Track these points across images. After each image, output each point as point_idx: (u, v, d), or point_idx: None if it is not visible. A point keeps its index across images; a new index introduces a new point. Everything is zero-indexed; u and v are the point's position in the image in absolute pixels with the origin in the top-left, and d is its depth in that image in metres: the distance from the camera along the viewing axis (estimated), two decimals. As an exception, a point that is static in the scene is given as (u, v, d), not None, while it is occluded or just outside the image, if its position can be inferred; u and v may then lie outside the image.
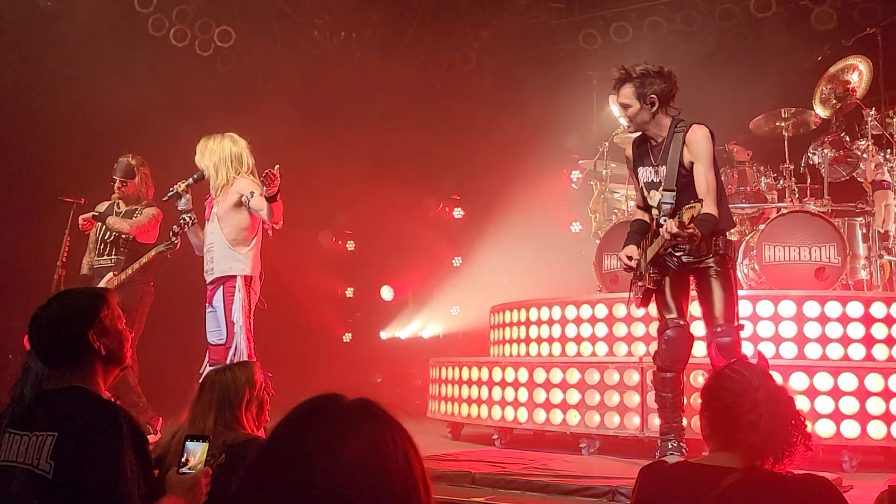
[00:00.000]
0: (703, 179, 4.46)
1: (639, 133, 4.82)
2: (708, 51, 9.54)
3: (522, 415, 6.18)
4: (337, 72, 11.30)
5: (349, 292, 12.72)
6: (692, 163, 4.51)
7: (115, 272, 6.30)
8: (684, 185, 4.52)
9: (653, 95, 4.56)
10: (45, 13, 8.55)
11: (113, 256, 6.39)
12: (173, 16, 9.61)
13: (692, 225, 4.18)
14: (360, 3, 10.67)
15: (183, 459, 2.61)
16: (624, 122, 7.96)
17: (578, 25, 10.20)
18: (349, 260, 12.61)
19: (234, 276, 5.36)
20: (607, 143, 8.21)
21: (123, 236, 6.43)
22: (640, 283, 4.70)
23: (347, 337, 12.51)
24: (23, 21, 8.40)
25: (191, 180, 5.52)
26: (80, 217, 6.40)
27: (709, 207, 4.40)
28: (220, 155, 5.47)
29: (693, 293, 4.77)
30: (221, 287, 5.37)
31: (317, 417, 1.15)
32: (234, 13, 10.20)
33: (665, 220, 4.35)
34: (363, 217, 11.94)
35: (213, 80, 10.20)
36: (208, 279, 5.46)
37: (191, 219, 5.57)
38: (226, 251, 5.39)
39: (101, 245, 6.45)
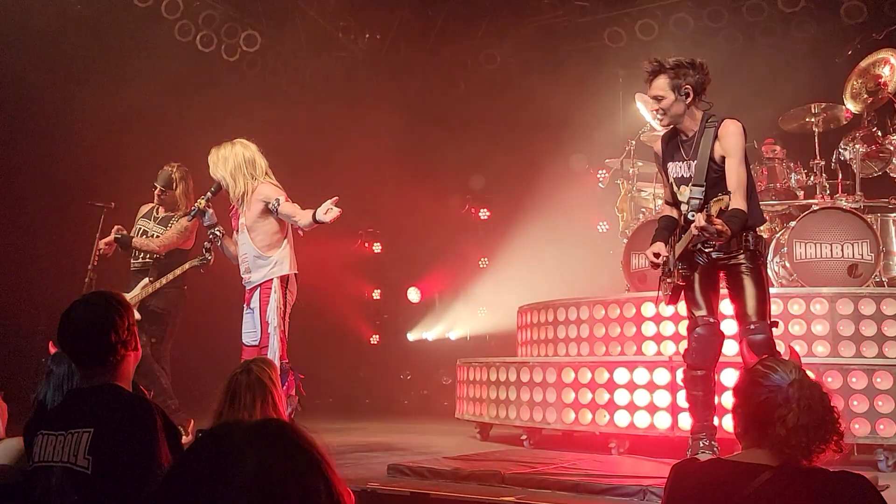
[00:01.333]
0: (734, 174, 4.40)
1: (667, 129, 4.77)
2: (736, 47, 9.44)
3: (551, 415, 6.15)
4: (362, 74, 11.34)
5: (376, 294, 12.75)
6: (723, 157, 4.44)
7: (150, 278, 6.36)
8: (714, 181, 4.47)
9: (687, 86, 4.49)
10: (75, 18, 8.66)
11: (148, 260, 6.45)
12: (200, 21, 9.71)
13: (720, 220, 4.12)
14: (384, 5, 10.71)
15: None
16: (650, 118, 7.93)
17: (604, 23, 10.15)
18: (376, 262, 12.64)
19: (271, 279, 5.43)
20: (634, 142, 8.16)
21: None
22: (668, 280, 4.65)
23: (375, 339, 12.54)
24: (54, 26, 8.52)
25: (209, 194, 5.55)
26: (103, 242, 6.45)
27: (738, 203, 4.34)
28: (235, 162, 5.49)
29: (723, 291, 4.72)
30: (259, 289, 5.43)
31: (213, 444, 1.16)
32: (260, 17, 10.28)
33: (693, 216, 4.30)
34: (389, 219, 11.96)
35: (239, 84, 10.29)
36: (247, 286, 5.53)
37: (220, 232, 5.61)
38: (259, 260, 5.46)
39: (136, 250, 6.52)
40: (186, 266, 6.32)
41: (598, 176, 9.78)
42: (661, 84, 4.52)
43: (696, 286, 4.61)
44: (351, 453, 5.97)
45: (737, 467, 2.24)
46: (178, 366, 6.53)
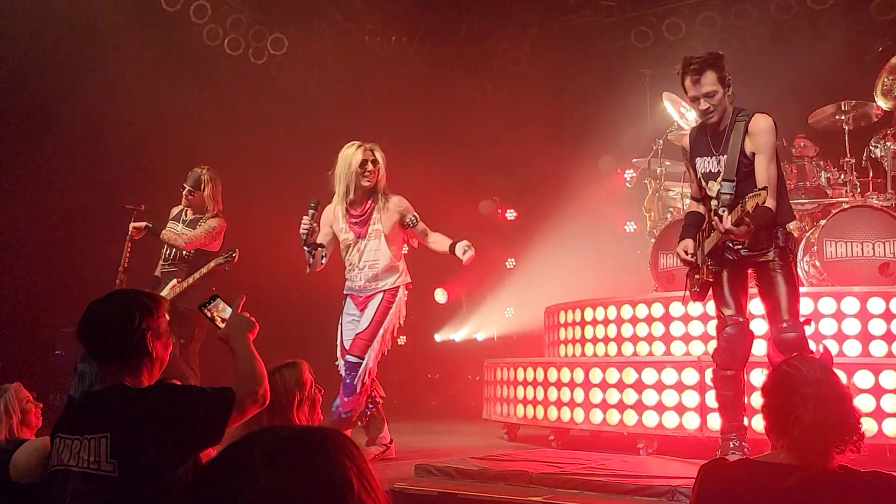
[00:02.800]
0: (765, 171, 4.36)
1: (698, 124, 4.74)
2: (764, 45, 9.36)
3: (579, 415, 6.14)
4: (389, 77, 11.38)
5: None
6: (753, 153, 4.40)
7: (179, 279, 6.43)
8: (744, 175, 4.42)
9: (729, 78, 4.46)
10: (106, 22, 8.78)
11: (178, 262, 6.54)
12: (227, 25, 9.81)
13: (748, 220, 4.10)
14: (410, 8, 10.75)
15: (214, 321, 2.70)
16: (677, 117, 7.89)
17: (630, 23, 10.11)
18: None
19: (398, 287, 5.66)
20: (661, 141, 8.12)
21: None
22: (697, 276, 4.61)
23: (402, 340, 12.55)
24: (85, 30, 8.65)
25: (313, 212, 5.59)
26: (132, 224, 6.53)
27: (767, 201, 4.31)
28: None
29: (753, 290, 4.69)
30: (383, 294, 5.60)
31: (231, 458, 1.10)
32: (287, 21, 10.37)
33: (723, 210, 4.26)
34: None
35: (267, 87, 10.37)
36: (366, 293, 5.64)
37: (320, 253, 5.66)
38: (392, 265, 5.64)
39: (167, 250, 6.60)
40: (212, 264, 6.38)
41: (626, 176, 9.75)
42: (712, 79, 4.39)
43: (725, 284, 4.58)
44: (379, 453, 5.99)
45: (765, 468, 2.23)
46: (207, 367, 6.59)
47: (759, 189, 4.13)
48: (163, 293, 6.34)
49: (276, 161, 10.22)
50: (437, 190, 10.73)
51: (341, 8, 10.61)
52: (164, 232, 6.53)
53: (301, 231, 5.46)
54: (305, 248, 5.51)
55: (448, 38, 11.07)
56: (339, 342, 5.74)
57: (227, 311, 2.75)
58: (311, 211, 5.52)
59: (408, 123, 10.74)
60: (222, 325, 2.73)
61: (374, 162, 5.55)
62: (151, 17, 9.17)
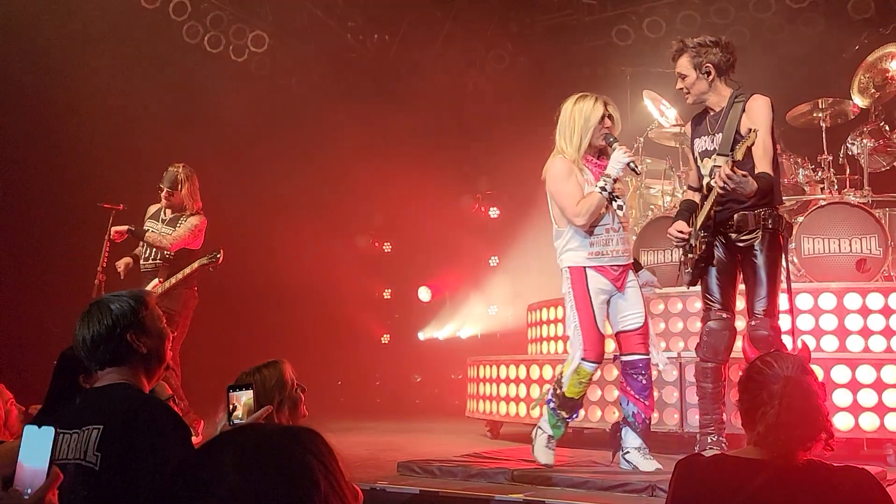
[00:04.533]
0: (761, 144, 4.41)
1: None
2: (743, 43, 9.41)
3: (561, 412, 6.16)
4: (371, 74, 11.38)
5: (387, 294, 12.78)
6: (749, 130, 4.46)
7: (161, 278, 6.41)
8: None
9: (708, 64, 4.60)
10: (83, 20, 8.72)
11: (158, 261, 6.51)
12: (208, 22, 9.77)
13: (744, 172, 4.15)
14: (392, 5, 10.74)
15: (231, 407, 2.63)
16: (657, 115, 7.94)
17: (611, 21, 10.16)
18: (386, 262, 12.68)
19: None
20: (642, 139, 8.16)
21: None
22: (690, 256, 4.63)
23: (386, 338, 12.58)
24: (61, 28, 8.58)
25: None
26: (113, 229, 6.49)
27: (764, 168, 4.37)
28: None
29: (741, 285, 4.69)
30: (631, 272, 4.80)
31: (204, 455, 1.11)
32: (268, 18, 10.34)
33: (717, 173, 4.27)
34: (399, 219, 12.00)
35: (248, 85, 10.34)
36: (621, 261, 4.72)
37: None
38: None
39: (146, 250, 6.57)
40: (196, 265, 6.37)
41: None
42: (683, 63, 4.66)
43: (714, 275, 4.61)
44: (361, 452, 6.00)
45: (739, 463, 2.25)
46: (188, 366, 6.58)
47: (752, 130, 4.22)
48: (146, 292, 6.30)
49: (257, 159, 10.20)
50: (419, 187, 10.76)
51: (323, 5, 10.59)
52: (148, 234, 6.49)
53: (628, 156, 4.60)
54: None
55: (430, 36, 11.08)
56: (591, 327, 4.65)
57: (245, 401, 2.63)
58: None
59: (390, 121, 10.74)
60: (234, 418, 2.63)
61: (611, 118, 4.80)
62: (130, 14, 9.12)
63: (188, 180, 6.57)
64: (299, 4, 10.49)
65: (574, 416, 4.82)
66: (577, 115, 4.76)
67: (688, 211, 4.75)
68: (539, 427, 4.85)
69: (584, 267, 4.67)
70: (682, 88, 4.72)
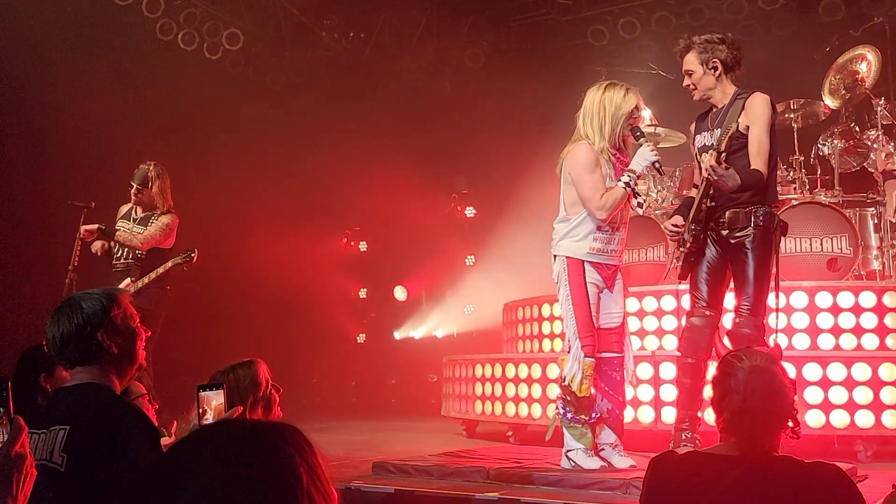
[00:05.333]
0: (756, 140, 4.45)
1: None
2: (716, 44, 9.51)
3: (536, 411, 6.19)
4: (346, 73, 11.34)
5: (362, 293, 12.75)
6: (748, 127, 4.48)
7: (133, 278, 6.35)
8: (735, 149, 4.49)
9: (715, 60, 4.63)
10: (53, 16, 8.61)
11: (130, 261, 6.45)
12: (181, 19, 9.68)
13: (728, 165, 4.17)
14: (368, 4, 10.72)
15: (200, 411, 2.59)
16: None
17: (587, 22, 10.21)
18: (362, 261, 12.64)
19: None
20: (617, 139, 8.20)
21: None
22: (681, 249, 4.64)
23: (361, 338, 12.54)
24: (31, 23, 8.47)
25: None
26: (83, 227, 6.41)
27: (757, 165, 4.40)
28: None
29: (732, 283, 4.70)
30: (619, 274, 4.82)
31: (178, 453, 1.10)
32: (242, 16, 10.26)
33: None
34: (375, 217, 11.97)
35: (222, 82, 10.27)
36: (614, 262, 4.76)
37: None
38: None
39: (118, 249, 6.51)
40: (169, 264, 6.32)
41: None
42: (691, 59, 4.70)
43: (703, 272, 4.63)
44: (337, 452, 5.99)
45: (712, 460, 2.28)
46: (160, 366, 6.52)
47: (729, 126, 4.26)
48: (118, 291, 6.24)
49: (231, 157, 10.13)
50: (395, 186, 10.74)
51: (298, 3, 10.54)
52: (118, 233, 6.43)
53: (654, 154, 4.58)
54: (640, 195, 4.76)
55: (406, 35, 11.06)
56: (588, 321, 4.63)
57: (216, 403, 2.59)
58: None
59: (366, 120, 10.72)
60: (205, 419, 2.59)
61: (639, 108, 4.77)
62: (102, 11, 9.01)
63: (159, 178, 6.51)
64: (274, 2, 10.43)
65: (595, 413, 4.65)
66: (608, 103, 4.65)
67: (686, 207, 4.77)
68: (566, 457, 4.64)
69: (583, 260, 4.64)
70: (688, 85, 4.73)
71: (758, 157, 4.44)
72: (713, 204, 4.55)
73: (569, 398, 4.64)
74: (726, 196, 4.48)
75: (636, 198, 4.64)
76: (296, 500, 1.05)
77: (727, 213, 4.51)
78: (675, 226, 4.69)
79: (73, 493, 2.32)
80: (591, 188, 4.58)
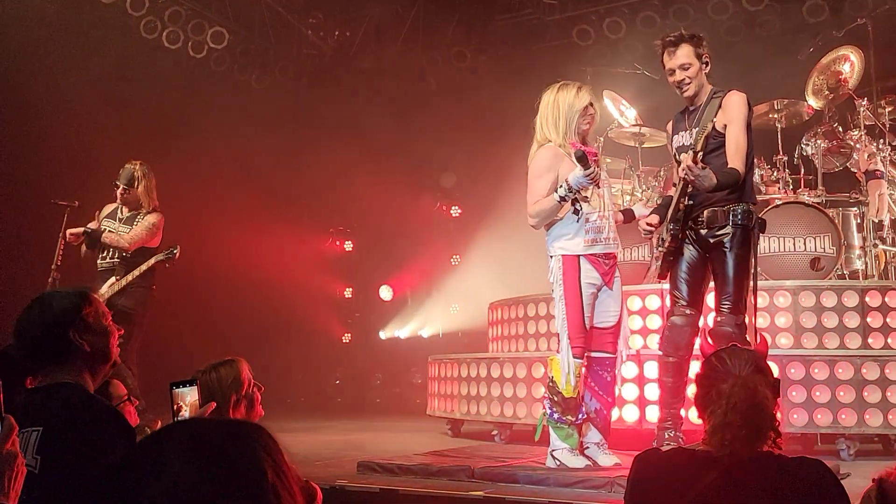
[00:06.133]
0: (734, 140, 4.44)
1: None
2: (701, 45, 9.56)
3: (521, 410, 6.19)
4: (331, 71, 11.32)
5: (348, 293, 12.73)
6: (725, 126, 4.47)
7: (117, 277, 6.32)
8: (713, 148, 4.49)
9: (707, 56, 4.63)
10: (37, 14, 8.54)
11: (115, 260, 6.41)
12: (166, 18, 9.63)
13: (704, 165, 4.17)
14: (353, 2, 10.70)
15: (175, 407, 2.56)
16: (617, 115, 8.00)
17: (572, 21, 10.23)
18: (347, 260, 12.62)
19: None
20: (602, 138, 8.21)
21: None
22: (660, 249, 4.65)
23: (347, 337, 12.52)
24: (14, 20, 8.41)
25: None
26: (69, 231, 6.37)
27: (735, 164, 4.40)
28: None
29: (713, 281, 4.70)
30: (617, 270, 4.77)
31: (146, 449, 1.10)
32: (227, 14, 10.22)
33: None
34: (361, 217, 11.96)
35: (207, 81, 10.22)
36: (612, 249, 4.73)
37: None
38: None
39: (103, 249, 6.47)
40: (152, 262, 6.28)
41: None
42: (687, 52, 4.59)
43: (683, 271, 4.63)
44: (322, 451, 5.97)
45: (695, 455, 2.28)
46: (144, 366, 6.48)
47: (705, 125, 4.26)
48: (101, 291, 6.21)
49: (216, 156, 10.09)
50: (381, 186, 10.73)
51: (283, 1, 10.51)
52: (105, 234, 6.38)
53: (588, 179, 4.50)
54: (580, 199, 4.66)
55: (392, 34, 11.05)
56: (578, 321, 4.63)
57: (191, 399, 2.58)
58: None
59: (351, 119, 10.70)
60: (179, 416, 2.57)
61: (593, 105, 4.81)
62: (87, 9, 8.96)
63: (145, 178, 6.48)
64: (259, 0, 10.40)
65: (581, 414, 4.66)
66: (561, 102, 4.73)
67: (665, 206, 4.77)
68: (551, 456, 4.66)
69: (579, 256, 4.62)
70: (683, 79, 4.59)
71: (735, 156, 4.43)
72: (691, 203, 4.55)
73: (556, 398, 4.64)
74: (704, 195, 4.48)
75: (574, 205, 4.63)
76: (262, 494, 1.05)
77: (706, 212, 4.52)
78: (649, 224, 4.70)
79: (48, 496, 2.28)
80: (531, 195, 4.74)
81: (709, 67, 4.65)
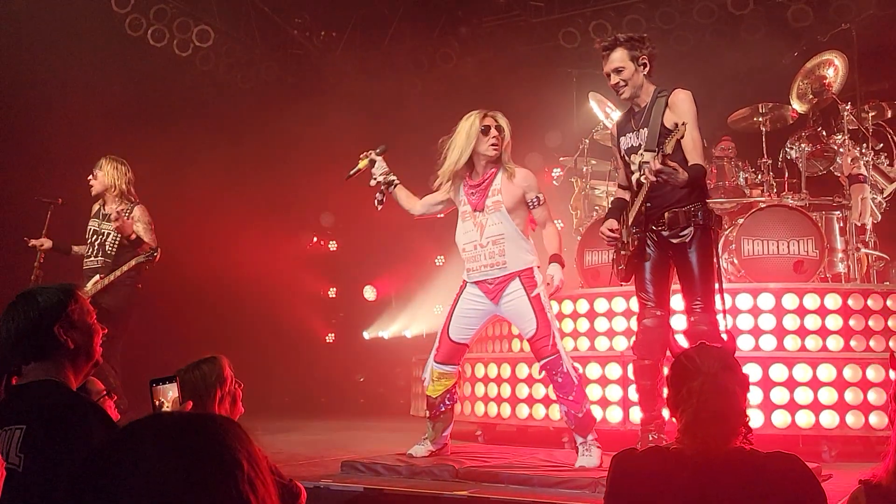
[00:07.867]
0: (689, 137, 4.44)
1: (622, 108, 4.84)
2: (687, 48, 9.60)
3: (505, 410, 6.20)
4: (317, 71, 11.29)
5: (332, 293, 12.69)
6: (675, 124, 4.47)
7: (102, 275, 6.28)
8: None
9: (644, 58, 4.64)
10: (20, 10, 8.47)
11: (101, 258, 6.37)
12: (151, 15, 9.58)
13: (675, 164, 4.20)
14: (339, 2, 10.67)
15: (157, 403, 2.57)
16: (603, 117, 8.03)
17: (558, 24, 10.24)
18: (331, 260, 12.59)
19: (531, 267, 5.04)
20: (587, 140, 8.25)
21: (110, 239, 6.39)
22: (623, 253, 4.67)
23: (330, 337, 12.49)
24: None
25: (381, 149, 5.78)
26: (34, 241, 6.36)
27: (696, 160, 4.42)
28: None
29: (677, 285, 4.75)
30: (518, 279, 4.99)
31: (120, 444, 1.10)
32: (213, 13, 10.17)
33: (645, 170, 4.31)
34: (345, 217, 11.92)
35: (193, 80, 10.16)
36: (494, 274, 5.07)
37: (391, 183, 5.68)
38: (520, 243, 5.05)
39: (89, 247, 6.44)
40: (133, 262, 6.23)
41: (553, 174, 9.87)
42: (620, 56, 4.64)
43: (648, 273, 4.65)
44: (306, 451, 5.94)
45: (669, 454, 2.29)
46: (128, 364, 6.44)
47: (677, 127, 4.27)
48: (86, 288, 6.17)
49: (200, 154, 10.03)
50: (363, 186, 10.68)
51: (269, 1, 10.47)
52: (113, 224, 6.32)
53: (380, 177, 5.72)
54: (385, 187, 5.61)
55: (378, 34, 11.04)
56: (443, 332, 5.23)
57: (172, 395, 2.60)
58: (376, 155, 5.79)
59: (336, 119, 10.66)
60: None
61: (499, 128, 5.08)
62: (71, 5, 8.88)
63: (112, 167, 6.43)
64: (245, -1, 10.37)
65: (437, 411, 5.35)
66: (459, 130, 5.22)
67: (619, 209, 4.80)
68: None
69: (465, 280, 5.25)
70: (618, 83, 4.66)
71: (694, 153, 4.46)
72: (650, 205, 4.57)
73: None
74: (662, 197, 4.51)
75: (377, 195, 5.63)
76: (237, 485, 1.07)
77: (666, 214, 4.53)
78: (611, 230, 4.72)
79: (31, 494, 2.26)
80: None
81: (648, 69, 4.66)
